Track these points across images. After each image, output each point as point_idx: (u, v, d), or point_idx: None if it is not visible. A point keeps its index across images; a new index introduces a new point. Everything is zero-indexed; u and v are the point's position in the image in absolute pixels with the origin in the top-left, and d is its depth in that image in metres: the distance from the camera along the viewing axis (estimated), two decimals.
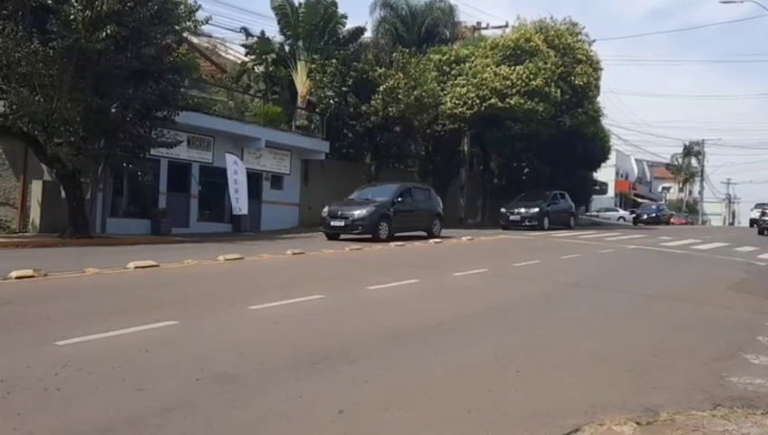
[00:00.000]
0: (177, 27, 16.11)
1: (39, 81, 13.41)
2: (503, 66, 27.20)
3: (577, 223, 28.16)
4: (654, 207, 51.27)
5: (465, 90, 26.88)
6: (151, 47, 15.12)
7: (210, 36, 29.09)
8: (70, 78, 13.61)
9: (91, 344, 5.06)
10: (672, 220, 57.84)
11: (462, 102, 26.83)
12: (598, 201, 51.80)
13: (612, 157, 45.08)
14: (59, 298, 7.42)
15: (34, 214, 16.31)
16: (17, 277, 8.25)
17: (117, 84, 14.51)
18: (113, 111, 14.61)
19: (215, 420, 3.58)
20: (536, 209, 24.70)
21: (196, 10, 16.24)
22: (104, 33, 13.43)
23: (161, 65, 15.52)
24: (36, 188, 16.34)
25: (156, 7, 14.78)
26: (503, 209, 25.45)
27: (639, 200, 66.38)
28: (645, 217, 46.88)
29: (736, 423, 3.81)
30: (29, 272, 8.48)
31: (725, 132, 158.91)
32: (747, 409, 4.11)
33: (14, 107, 13.41)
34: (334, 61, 25.24)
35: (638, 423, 3.73)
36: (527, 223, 24.17)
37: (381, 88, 24.34)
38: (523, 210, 24.80)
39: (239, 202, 20.21)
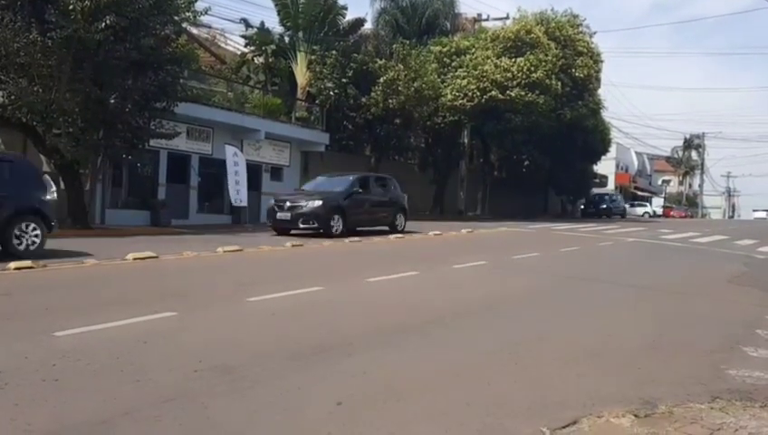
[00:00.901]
0: (176, 18, 16.01)
1: (38, 71, 13.35)
2: (503, 58, 27.13)
3: (407, 223, 17.86)
4: (606, 197, 44.22)
5: (465, 82, 26.82)
6: (150, 38, 15.04)
7: (210, 27, 29.00)
8: (68, 68, 13.56)
9: (89, 335, 5.06)
10: (672, 213, 57.86)
11: (462, 94, 26.77)
12: None
13: (612, 150, 44.93)
14: (58, 289, 7.42)
15: None
16: (16, 268, 8.25)
17: (116, 75, 14.45)
18: (112, 101, 14.56)
19: (212, 411, 3.58)
20: (318, 203, 15.37)
21: (196, 0, 16.16)
22: (103, 24, 13.38)
23: (160, 56, 15.45)
24: None
25: None
26: (271, 201, 16.57)
27: (640, 193, 66.40)
28: (594, 209, 40.68)
29: (734, 416, 3.82)
30: (28, 263, 8.49)
31: (726, 125, 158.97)
32: (745, 401, 4.11)
33: (13, 97, 13.35)
34: (334, 52, 25.15)
35: (636, 416, 3.73)
36: (302, 224, 15.36)
37: (381, 80, 24.28)
38: (302, 203, 15.54)
39: (239, 194, 20.16)
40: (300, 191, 17.35)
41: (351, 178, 17.30)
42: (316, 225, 15.38)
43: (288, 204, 15.71)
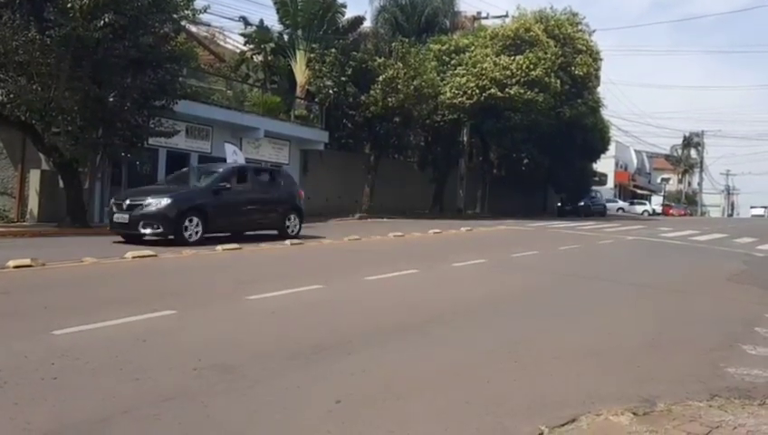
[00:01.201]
0: (175, 16, 15.99)
1: (36, 69, 13.33)
2: (502, 56, 27.13)
3: (301, 228, 14.61)
4: (585, 194, 41.34)
5: (464, 79, 26.81)
6: (149, 36, 15.02)
7: (209, 25, 28.95)
8: (67, 67, 13.53)
9: (88, 334, 5.05)
10: (671, 211, 57.88)
11: (461, 92, 26.77)
12: None
13: (612, 148, 44.93)
14: (57, 288, 7.41)
15: (32, 203, 16.26)
16: (15, 267, 8.23)
17: (115, 73, 14.42)
18: (111, 100, 14.52)
19: (212, 409, 3.58)
20: (166, 201, 12.08)
21: None
22: (102, 22, 13.35)
23: (159, 54, 15.42)
24: (34, 177, 16.29)
25: None
26: (112, 200, 13.03)
27: (639, 192, 66.41)
28: (570, 206, 38.33)
29: (733, 414, 3.82)
30: (27, 261, 8.46)
31: (726, 123, 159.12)
32: (744, 399, 4.11)
33: (12, 96, 13.32)
34: (333, 50, 25.13)
35: (634, 413, 3.73)
36: (144, 229, 11.90)
37: (381, 78, 24.24)
38: (146, 201, 12.13)
39: None
40: (155, 186, 14.11)
41: (221, 169, 13.97)
42: (161, 229, 11.89)
43: (128, 202, 12.26)
